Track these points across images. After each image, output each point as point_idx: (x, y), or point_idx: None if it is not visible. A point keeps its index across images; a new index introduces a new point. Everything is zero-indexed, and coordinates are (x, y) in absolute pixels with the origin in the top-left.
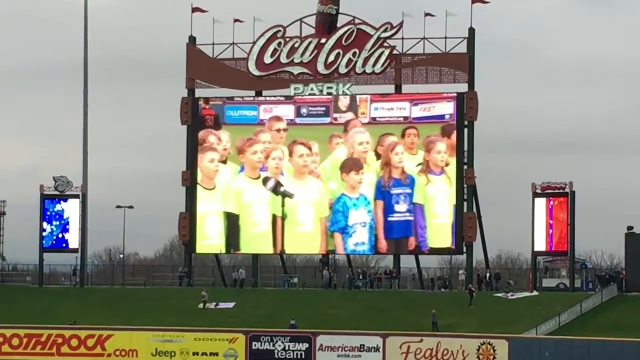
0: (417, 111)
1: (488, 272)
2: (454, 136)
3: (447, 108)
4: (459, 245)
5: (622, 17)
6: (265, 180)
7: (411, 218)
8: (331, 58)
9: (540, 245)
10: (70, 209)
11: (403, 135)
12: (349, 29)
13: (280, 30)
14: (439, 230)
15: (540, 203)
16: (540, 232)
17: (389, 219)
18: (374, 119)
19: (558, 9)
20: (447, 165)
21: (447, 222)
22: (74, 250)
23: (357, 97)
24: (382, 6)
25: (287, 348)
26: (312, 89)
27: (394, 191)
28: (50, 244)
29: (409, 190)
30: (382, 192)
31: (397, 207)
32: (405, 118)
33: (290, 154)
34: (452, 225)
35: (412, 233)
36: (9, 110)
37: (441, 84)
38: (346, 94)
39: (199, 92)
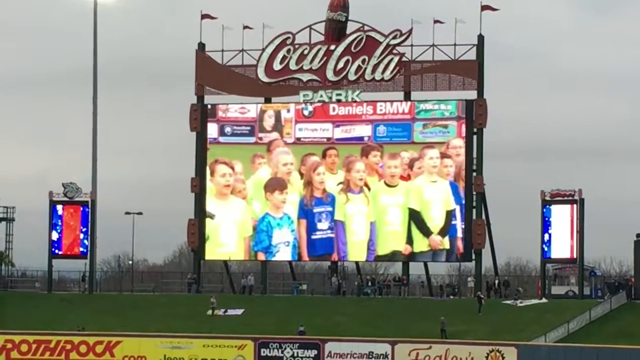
0: (339, 132)
1: (497, 279)
2: (371, 156)
3: (365, 130)
4: (468, 252)
5: (631, 25)
6: None
7: (332, 235)
8: (340, 65)
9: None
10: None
11: (324, 156)
12: (358, 36)
13: (289, 37)
14: (357, 247)
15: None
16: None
17: (312, 237)
18: (298, 139)
19: (567, 17)
20: (365, 185)
21: (364, 239)
22: (83, 257)
23: (282, 117)
24: (392, 13)
25: (295, 355)
26: (321, 96)
27: (316, 210)
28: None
29: (330, 209)
30: (305, 211)
31: (319, 225)
32: (328, 139)
33: (212, 173)
34: (369, 241)
35: (333, 250)
36: (19, 117)
37: (450, 91)
38: (355, 101)
39: (208, 99)
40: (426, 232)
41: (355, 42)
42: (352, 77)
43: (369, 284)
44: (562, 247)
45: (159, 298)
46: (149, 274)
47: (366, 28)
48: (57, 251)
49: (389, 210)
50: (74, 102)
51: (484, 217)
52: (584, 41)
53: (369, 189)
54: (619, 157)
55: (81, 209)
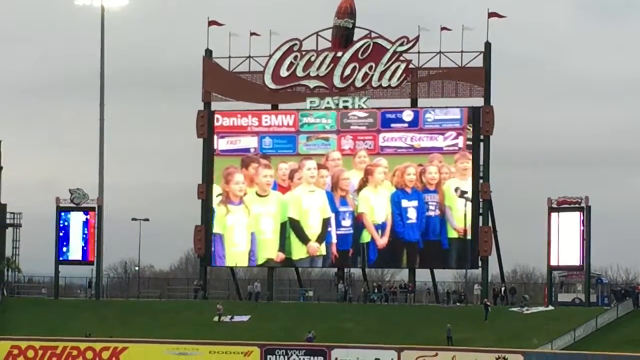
0: (224, 144)
1: (503, 286)
2: (251, 168)
3: (252, 142)
4: (475, 259)
5: (638, 31)
6: None
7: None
8: (347, 72)
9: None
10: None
11: None
12: (365, 43)
13: (296, 44)
14: (239, 258)
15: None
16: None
17: None
18: None
19: (574, 24)
20: (245, 194)
21: (245, 250)
22: (90, 263)
23: None
24: (399, 20)
25: None
26: (328, 103)
27: None
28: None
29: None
30: None
31: None
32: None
33: None
34: (249, 252)
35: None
36: (26, 123)
37: (457, 98)
38: (362, 108)
39: (215, 105)
40: (304, 239)
41: (362, 49)
42: (359, 84)
43: (375, 290)
44: (569, 254)
45: (165, 304)
46: (155, 280)
47: (373, 35)
48: (63, 257)
49: (262, 220)
50: (81, 108)
51: (490, 224)
52: (591, 49)
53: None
54: (626, 165)
55: (88, 215)
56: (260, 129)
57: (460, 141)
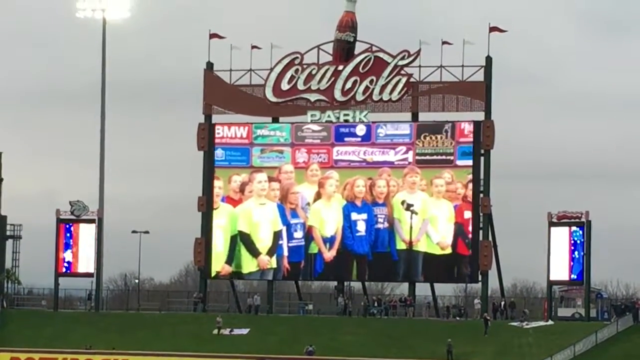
0: None
1: (503, 300)
2: None
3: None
4: (475, 273)
5: (638, 47)
6: None
7: None
8: (348, 85)
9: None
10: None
11: None
12: (366, 57)
13: (297, 57)
14: None
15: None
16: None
17: None
18: None
19: (575, 39)
20: None
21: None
22: (90, 275)
23: None
24: (400, 34)
25: None
26: (328, 116)
27: None
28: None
29: None
30: None
31: None
32: None
33: None
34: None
35: None
36: (26, 134)
37: (458, 112)
38: (363, 121)
39: (215, 118)
40: (255, 253)
41: (363, 62)
42: (359, 97)
43: (375, 304)
44: (568, 268)
45: (165, 317)
46: (155, 292)
47: (374, 49)
48: (63, 269)
49: (214, 232)
50: (82, 120)
51: (490, 238)
52: (592, 63)
53: None
54: (626, 180)
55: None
56: (216, 141)
57: (410, 156)
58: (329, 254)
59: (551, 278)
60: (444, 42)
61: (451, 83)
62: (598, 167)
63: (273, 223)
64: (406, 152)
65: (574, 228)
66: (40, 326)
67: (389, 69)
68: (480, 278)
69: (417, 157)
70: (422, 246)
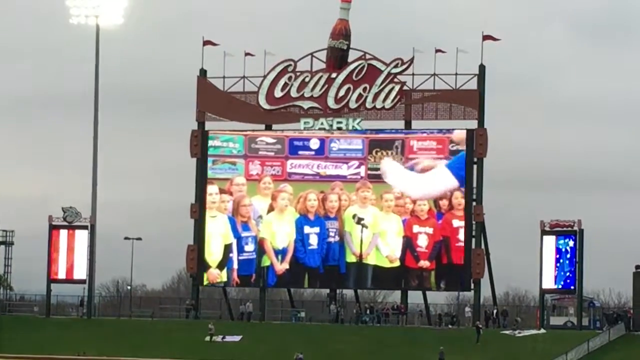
0: None
1: (495, 309)
2: None
3: None
4: (467, 281)
5: (632, 55)
6: None
7: None
8: (341, 93)
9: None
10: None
11: None
12: (359, 64)
13: (291, 65)
14: None
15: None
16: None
17: None
18: None
19: (568, 47)
20: None
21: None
22: (82, 282)
23: None
24: (393, 42)
25: None
26: (322, 124)
27: None
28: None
29: None
30: None
31: None
32: None
33: None
34: None
35: None
36: (18, 140)
37: (451, 120)
38: (356, 129)
39: (208, 125)
40: (205, 266)
41: (357, 70)
42: (353, 105)
43: (368, 312)
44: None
45: (157, 324)
46: (147, 299)
47: (368, 56)
48: (55, 275)
49: None
50: (75, 126)
51: (483, 246)
52: (586, 71)
53: None
54: (618, 188)
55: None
56: None
57: (362, 170)
58: (281, 267)
59: (543, 286)
60: (437, 50)
61: (444, 91)
62: (591, 176)
63: (224, 236)
64: (358, 167)
65: (566, 236)
66: (32, 332)
67: (382, 76)
68: (472, 286)
69: (369, 172)
70: (371, 259)
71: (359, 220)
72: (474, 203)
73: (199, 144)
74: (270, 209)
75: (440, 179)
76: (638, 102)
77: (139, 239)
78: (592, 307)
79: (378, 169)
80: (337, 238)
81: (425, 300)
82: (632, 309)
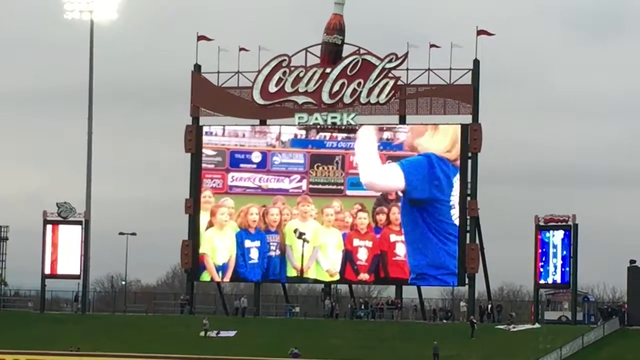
0: None
1: (490, 303)
2: None
3: None
4: (462, 276)
5: (627, 50)
6: None
7: None
8: (336, 88)
9: None
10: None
11: None
12: (354, 59)
13: (285, 60)
14: None
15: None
16: None
17: None
18: None
19: (563, 42)
20: None
21: None
22: (76, 277)
23: None
24: (388, 37)
25: None
26: (316, 119)
27: None
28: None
29: None
30: None
31: None
32: None
33: None
34: None
35: None
36: (13, 136)
37: (445, 115)
38: (350, 124)
39: (203, 120)
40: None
41: (351, 65)
42: (347, 100)
43: (362, 307)
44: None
45: (151, 319)
46: (142, 294)
47: (362, 51)
48: (50, 271)
49: None
50: (69, 121)
51: (477, 241)
52: (580, 67)
53: None
54: (613, 183)
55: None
56: None
57: (304, 184)
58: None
59: (538, 281)
60: (431, 45)
61: (439, 86)
62: (585, 171)
63: None
64: (300, 181)
65: (561, 231)
66: (27, 328)
67: (377, 71)
68: (467, 281)
69: (311, 186)
70: (311, 273)
71: (300, 235)
72: (469, 198)
73: (194, 139)
74: (210, 224)
75: (390, 175)
76: (632, 98)
77: (134, 234)
78: (586, 301)
79: (319, 183)
80: (278, 252)
81: (419, 295)
82: (626, 303)
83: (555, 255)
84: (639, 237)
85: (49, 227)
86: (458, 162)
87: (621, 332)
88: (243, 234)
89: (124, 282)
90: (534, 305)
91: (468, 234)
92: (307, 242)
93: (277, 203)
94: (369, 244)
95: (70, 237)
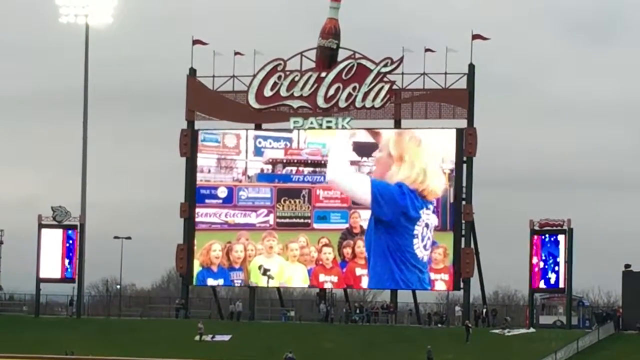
0: None
1: (485, 308)
2: None
3: None
4: (457, 280)
5: (623, 55)
6: None
7: None
8: (331, 92)
9: None
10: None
11: None
12: (349, 64)
13: (280, 64)
14: None
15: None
16: None
17: None
18: None
19: (558, 46)
20: None
21: None
22: (71, 281)
23: None
24: (383, 41)
25: None
26: (311, 123)
27: None
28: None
29: None
30: None
31: None
32: None
33: None
34: None
35: None
36: (8, 139)
37: (440, 119)
38: (345, 128)
39: (198, 124)
40: None
41: (346, 69)
42: (342, 104)
43: (357, 311)
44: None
45: (146, 323)
46: (136, 298)
47: (357, 56)
48: (45, 275)
49: None
50: (64, 125)
51: (472, 246)
52: (574, 71)
53: None
54: (608, 188)
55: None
56: None
57: (271, 218)
58: None
59: (533, 286)
60: (426, 50)
61: (434, 90)
62: (580, 175)
63: None
64: (267, 215)
65: (556, 236)
66: (21, 332)
67: (372, 76)
68: (462, 285)
69: (278, 220)
70: None
71: (265, 272)
72: (464, 202)
73: (189, 143)
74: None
75: (358, 182)
76: (627, 102)
77: (129, 238)
78: (581, 306)
79: (286, 217)
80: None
81: (414, 299)
82: (621, 308)
83: (550, 260)
84: (634, 242)
85: (44, 231)
86: (431, 196)
87: (616, 337)
88: (205, 272)
89: (118, 286)
90: (529, 310)
91: (463, 239)
92: (272, 278)
93: (240, 239)
94: (335, 279)
95: (65, 241)
